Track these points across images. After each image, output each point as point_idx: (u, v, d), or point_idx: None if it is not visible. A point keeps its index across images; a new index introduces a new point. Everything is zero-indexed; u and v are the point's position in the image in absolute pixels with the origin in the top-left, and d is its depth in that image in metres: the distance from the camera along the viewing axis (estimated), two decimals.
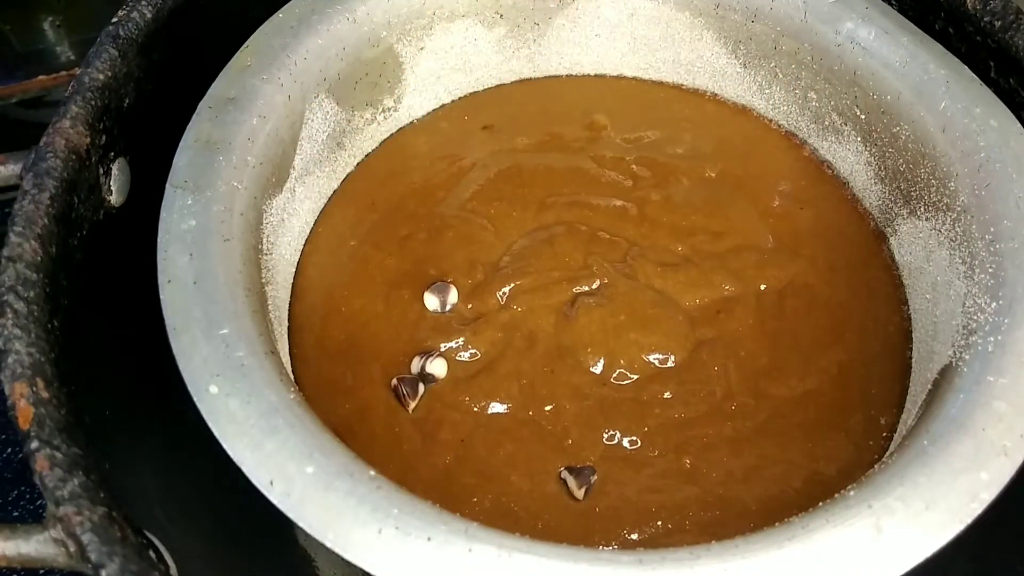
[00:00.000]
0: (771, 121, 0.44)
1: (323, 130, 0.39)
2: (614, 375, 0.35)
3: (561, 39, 0.44)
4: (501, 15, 0.43)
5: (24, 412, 0.27)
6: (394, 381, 0.35)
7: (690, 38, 0.43)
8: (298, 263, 0.39)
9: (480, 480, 0.33)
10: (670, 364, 0.36)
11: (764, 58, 0.42)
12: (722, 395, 0.35)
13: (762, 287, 0.38)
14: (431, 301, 0.37)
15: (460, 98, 0.44)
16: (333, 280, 0.38)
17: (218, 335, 0.29)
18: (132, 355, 0.36)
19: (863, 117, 0.39)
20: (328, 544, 0.26)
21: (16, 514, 0.43)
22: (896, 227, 0.39)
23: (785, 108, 0.43)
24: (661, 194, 0.40)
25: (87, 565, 0.25)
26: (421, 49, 0.41)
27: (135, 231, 0.33)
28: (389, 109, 0.42)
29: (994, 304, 0.31)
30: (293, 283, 0.38)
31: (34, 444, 0.26)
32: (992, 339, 0.30)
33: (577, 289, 0.37)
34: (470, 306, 0.37)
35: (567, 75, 0.46)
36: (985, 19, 0.36)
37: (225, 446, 0.27)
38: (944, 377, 0.32)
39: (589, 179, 0.41)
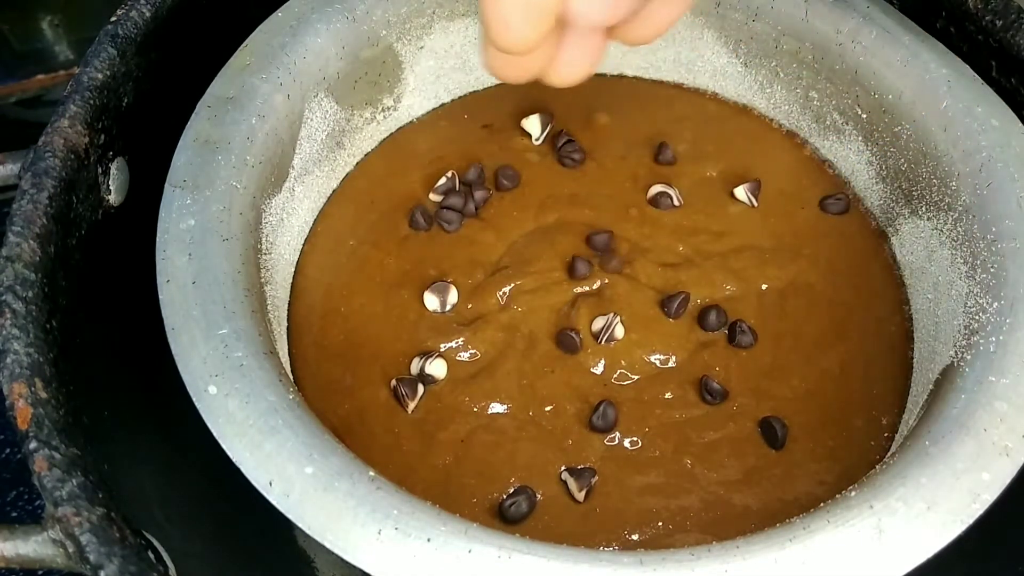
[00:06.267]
0: (772, 120, 0.43)
1: (322, 129, 0.39)
2: (615, 375, 0.35)
3: None
4: None
5: (23, 412, 0.27)
6: (393, 381, 0.35)
7: (691, 37, 0.43)
8: (297, 263, 0.39)
9: (480, 480, 0.33)
10: (671, 364, 0.36)
11: (765, 57, 0.42)
12: (723, 395, 0.35)
13: (763, 287, 0.38)
14: (431, 301, 0.37)
15: (460, 97, 0.44)
16: (332, 280, 0.38)
17: (217, 335, 0.29)
18: (131, 355, 0.35)
19: (864, 116, 0.39)
20: (327, 545, 0.26)
21: (14, 515, 0.43)
22: (897, 227, 0.39)
23: (786, 107, 0.43)
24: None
25: (86, 566, 0.25)
26: (421, 48, 0.41)
27: (134, 231, 0.33)
28: (388, 108, 0.42)
29: (996, 304, 0.31)
30: (292, 283, 0.38)
31: (33, 444, 0.26)
32: (994, 339, 0.30)
33: (578, 289, 0.37)
34: (470, 306, 0.37)
35: None
36: (986, 18, 0.36)
37: (224, 447, 0.27)
38: (946, 377, 0.31)
39: (589, 179, 0.41)
